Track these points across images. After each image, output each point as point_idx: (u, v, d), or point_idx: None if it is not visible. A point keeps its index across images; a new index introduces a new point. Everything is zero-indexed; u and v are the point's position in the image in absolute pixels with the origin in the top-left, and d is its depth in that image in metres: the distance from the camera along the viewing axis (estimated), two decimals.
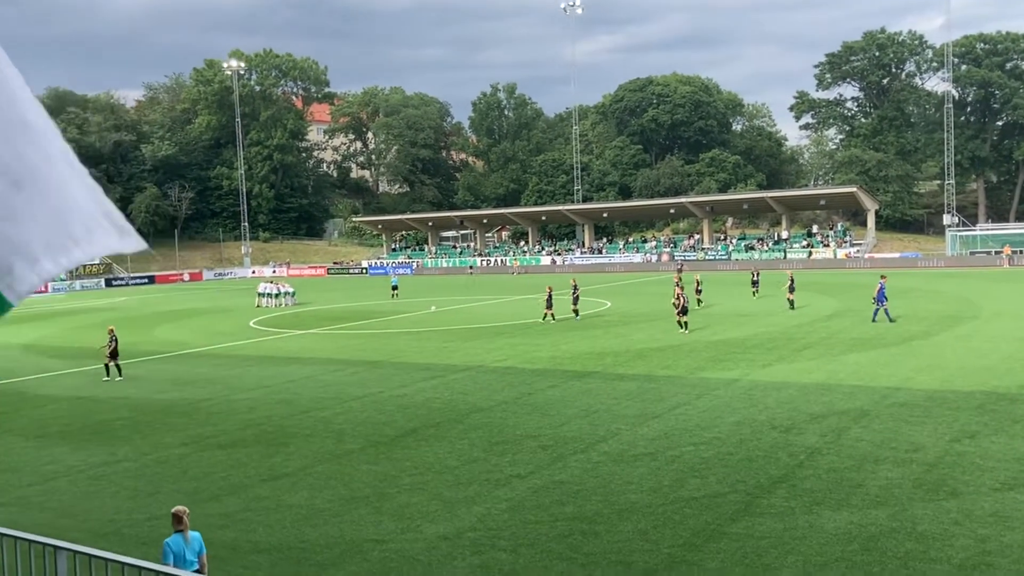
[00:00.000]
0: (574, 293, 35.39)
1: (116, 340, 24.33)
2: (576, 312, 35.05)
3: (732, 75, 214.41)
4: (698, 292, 37.82)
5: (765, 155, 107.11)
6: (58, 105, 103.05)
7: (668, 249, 78.10)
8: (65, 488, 13.39)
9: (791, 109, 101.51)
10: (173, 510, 8.00)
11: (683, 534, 10.27)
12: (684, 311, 29.44)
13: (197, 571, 7.86)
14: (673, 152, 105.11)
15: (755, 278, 43.22)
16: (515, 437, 15.46)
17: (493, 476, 13.05)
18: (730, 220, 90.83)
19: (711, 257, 73.70)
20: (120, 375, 24.09)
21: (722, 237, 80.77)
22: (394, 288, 52.79)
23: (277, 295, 49.46)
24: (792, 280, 36.27)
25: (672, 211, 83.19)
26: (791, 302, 35.23)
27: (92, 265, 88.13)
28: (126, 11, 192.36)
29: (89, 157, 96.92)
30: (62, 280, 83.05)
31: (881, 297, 29.52)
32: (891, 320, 29.21)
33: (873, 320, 29.51)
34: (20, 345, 34.59)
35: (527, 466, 13.51)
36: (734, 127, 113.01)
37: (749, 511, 10.99)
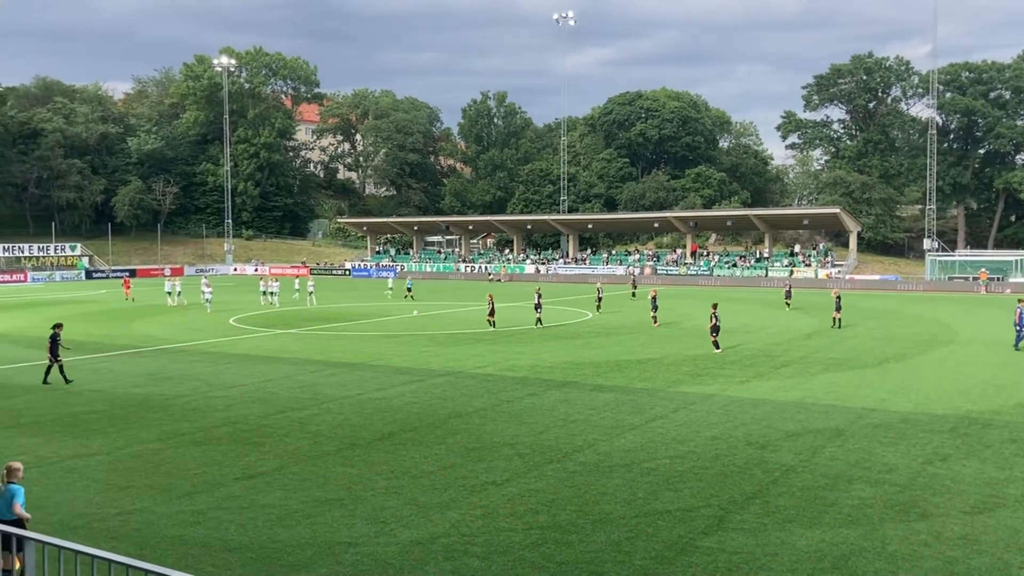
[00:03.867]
0: (537, 302, 35.97)
1: (55, 339, 22.24)
2: (539, 321, 35.45)
3: (721, 93, 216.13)
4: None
5: (750, 173, 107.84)
6: (45, 94, 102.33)
7: (651, 263, 78.37)
8: (36, 479, 13.24)
9: (778, 128, 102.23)
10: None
11: (655, 547, 10.30)
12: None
13: (12, 522, 8.38)
14: (659, 166, 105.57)
15: (787, 289, 47.02)
16: (492, 444, 15.46)
17: (469, 482, 13.04)
18: (713, 236, 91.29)
19: (693, 272, 74.02)
20: (66, 381, 21.89)
21: (705, 253, 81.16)
22: (408, 290, 54.28)
23: (266, 293, 50.14)
24: (839, 298, 35.82)
25: (656, 225, 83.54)
26: (837, 320, 35.07)
27: (72, 256, 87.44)
28: (122, 3, 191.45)
29: (75, 147, 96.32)
30: (41, 271, 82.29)
31: (1023, 322, 28.06)
32: None
33: (1016, 347, 28.01)
34: None
35: (503, 473, 13.52)
36: (721, 144, 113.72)
37: (722, 526, 11.04)
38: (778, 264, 73.56)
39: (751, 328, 35.23)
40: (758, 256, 77.08)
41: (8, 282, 76.54)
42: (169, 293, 50.21)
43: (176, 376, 23.39)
